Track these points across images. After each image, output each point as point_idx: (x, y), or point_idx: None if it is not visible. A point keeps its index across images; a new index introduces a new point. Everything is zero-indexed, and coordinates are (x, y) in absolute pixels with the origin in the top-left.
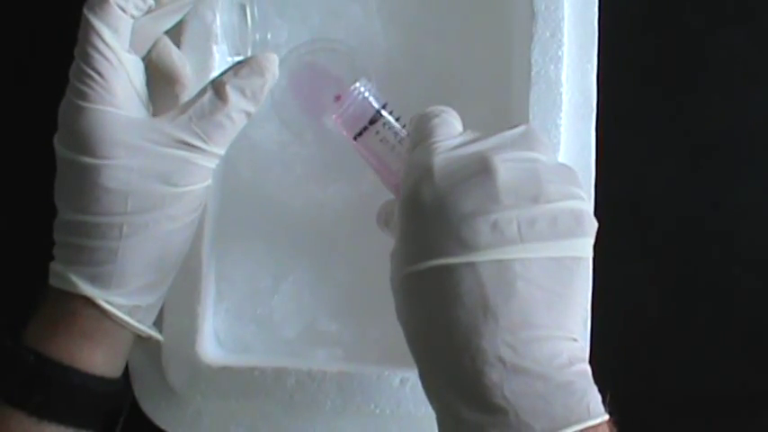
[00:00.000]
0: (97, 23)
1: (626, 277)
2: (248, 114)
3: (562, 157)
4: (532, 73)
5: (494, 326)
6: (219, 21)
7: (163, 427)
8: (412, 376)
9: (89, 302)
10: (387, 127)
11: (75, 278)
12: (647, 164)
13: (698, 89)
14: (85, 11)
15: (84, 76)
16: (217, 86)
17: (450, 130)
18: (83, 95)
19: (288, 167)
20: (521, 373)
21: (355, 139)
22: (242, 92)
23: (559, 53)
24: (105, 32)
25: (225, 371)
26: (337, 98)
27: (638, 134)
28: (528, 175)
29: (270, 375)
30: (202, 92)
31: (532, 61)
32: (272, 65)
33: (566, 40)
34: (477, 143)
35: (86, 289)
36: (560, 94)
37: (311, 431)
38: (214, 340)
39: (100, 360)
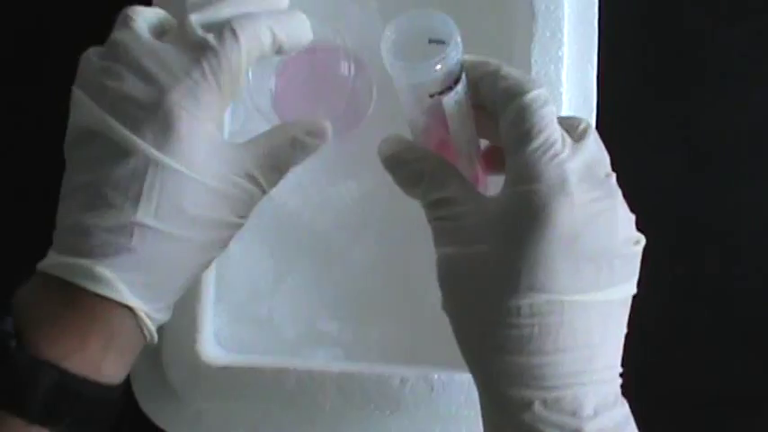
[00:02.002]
0: None
1: None
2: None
3: None
4: (532, 73)
5: (595, 363)
6: None
7: (163, 427)
8: (412, 376)
9: (127, 314)
10: (463, 89)
11: (123, 287)
12: (647, 164)
13: (698, 89)
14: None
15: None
16: (292, 140)
17: (555, 121)
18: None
19: None
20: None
21: (440, 94)
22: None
23: (559, 53)
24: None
25: (225, 371)
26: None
27: (638, 134)
28: (628, 213)
29: (270, 375)
30: (279, 134)
31: (532, 61)
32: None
33: (566, 40)
34: (583, 150)
35: (132, 300)
36: (560, 94)
37: (311, 431)
38: (214, 340)
39: (121, 371)
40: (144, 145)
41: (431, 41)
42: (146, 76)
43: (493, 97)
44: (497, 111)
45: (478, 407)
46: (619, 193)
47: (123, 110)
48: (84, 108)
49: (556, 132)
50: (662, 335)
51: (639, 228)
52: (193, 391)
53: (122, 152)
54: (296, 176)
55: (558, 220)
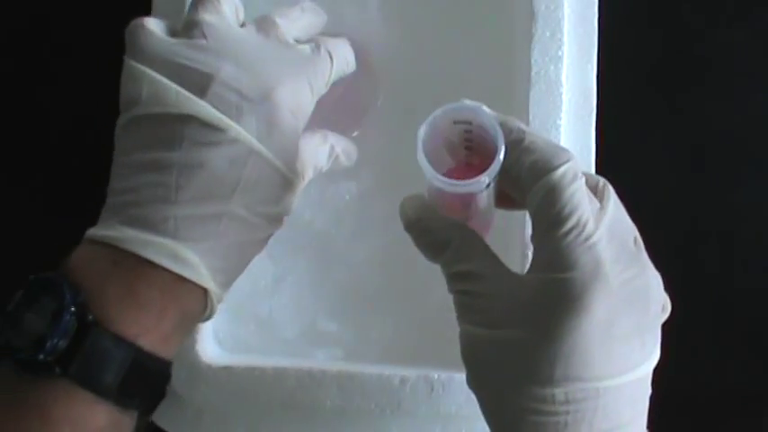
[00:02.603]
0: None
1: None
2: None
3: None
4: (532, 73)
5: None
6: None
7: (163, 426)
8: (412, 376)
9: (201, 295)
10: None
11: (206, 272)
12: (647, 164)
13: (698, 89)
14: None
15: None
16: (331, 149)
17: (586, 199)
18: None
19: None
20: None
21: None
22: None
23: (559, 53)
24: None
25: (225, 371)
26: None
27: (638, 134)
28: (657, 279)
29: (270, 375)
30: (323, 141)
31: (532, 61)
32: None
33: (566, 40)
34: (609, 216)
35: (210, 284)
36: (560, 94)
37: (311, 431)
38: (214, 340)
39: (178, 347)
40: (248, 136)
41: (456, 123)
42: (248, 67)
43: (518, 172)
44: (523, 186)
45: (478, 407)
46: (648, 260)
47: (223, 98)
48: (163, 89)
49: (587, 211)
50: (662, 335)
51: (639, 227)
52: (193, 391)
53: (224, 140)
54: None
55: (595, 307)
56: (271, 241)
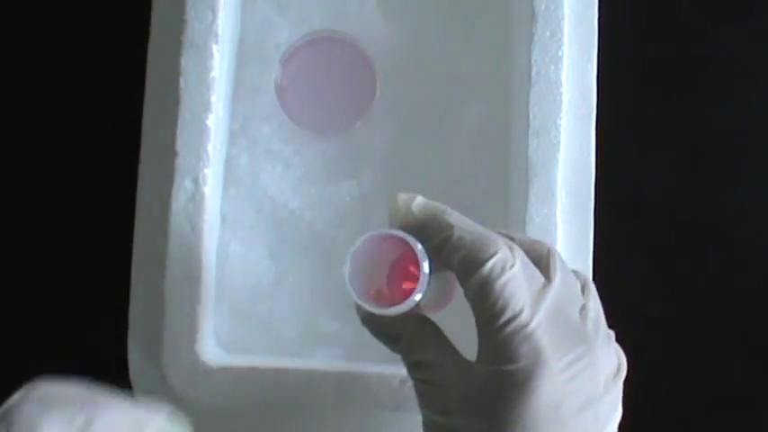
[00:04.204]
0: None
1: (626, 277)
2: None
3: (562, 156)
4: (532, 73)
5: None
6: (220, 21)
7: None
8: None
9: None
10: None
11: None
12: (647, 164)
13: (698, 89)
14: None
15: None
16: None
17: (520, 286)
18: None
19: (288, 167)
20: None
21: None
22: None
23: (559, 53)
24: None
25: (225, 371)
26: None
27: (638, 134)
28: (607, 350)
29: (270, 375)
30: None
31: (532, 61)
32: None
33: (566, 40)
34: (553, 292)
35: None
36: (560, 94)
37: (311, 431)
38: (214, 340)
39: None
40: None
41: (384, 240)
42: None
43: (451, 268)
44: (459, 280)
45: None
46: (596, 332)
47: None
48: None
49: (521, 301)
50: (662, 335)
51: (639, 227)
52: (193, 391)
53: None
54: (296, 177)
55: (539, 393)
56: (272, 241)
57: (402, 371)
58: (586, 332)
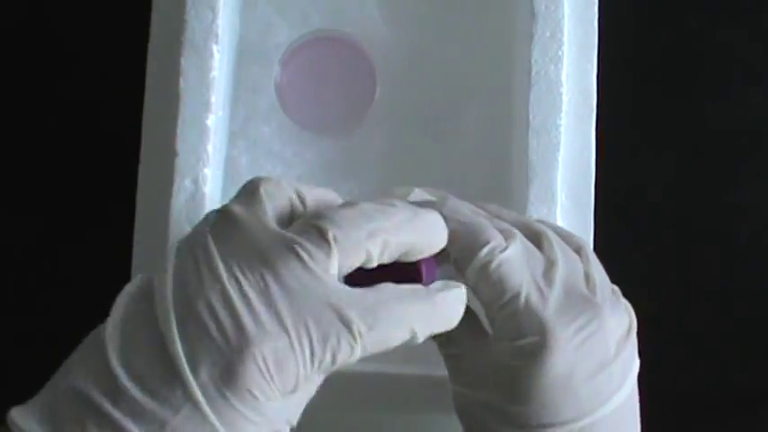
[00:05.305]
0: None
1: (626, 277)
2: None
3: (562, 156)
4: (532, 73)
5: None
6: (220, 21)
7: None
8: (412, 376)
9: None
10: None
11: None
12: (647, 164)
13: (697, 89)
14: None
15: None
16: None
17: (517, 267)
18: None
19: (288, 167)
20: None
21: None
22: None
23: (559, 53)
24: None
25: None
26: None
27: (638, 134)
28: (618, 311)
29: None
30: None
31: (532, 61)
32: None
33: (566, 40)
34: (558, 273)
35: None
36: (560, 94)
37: (311, 431)
38: None
39: None
40: None
41: None
42: None
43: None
44: (458, 272)
45: None
46: (603, 297)
47: None
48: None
49: (518, 280)
50: (662, 335)
51: (639, 227)
52: None
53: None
54: (296, 177)
55: (550, 364)
56: None
57: (402, 371)
58: (592, 299)
